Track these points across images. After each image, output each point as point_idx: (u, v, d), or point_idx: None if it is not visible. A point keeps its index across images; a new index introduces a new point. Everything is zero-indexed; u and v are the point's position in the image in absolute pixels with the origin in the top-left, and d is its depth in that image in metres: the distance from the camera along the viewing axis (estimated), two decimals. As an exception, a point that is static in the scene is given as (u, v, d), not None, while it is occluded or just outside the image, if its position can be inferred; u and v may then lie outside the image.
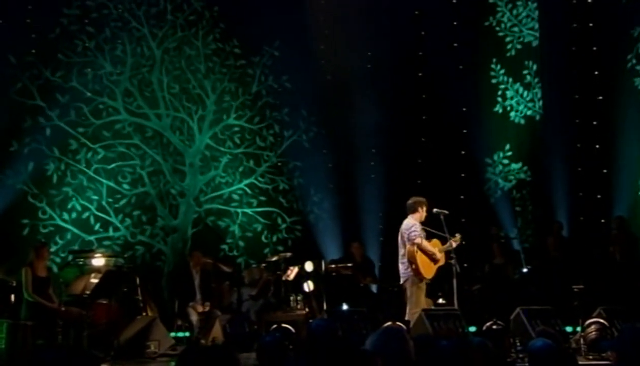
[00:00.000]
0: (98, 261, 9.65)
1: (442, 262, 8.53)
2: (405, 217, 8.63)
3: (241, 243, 12.08)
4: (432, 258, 8.41)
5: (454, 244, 8.44)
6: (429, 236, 8.65)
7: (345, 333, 6.90)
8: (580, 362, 5.00)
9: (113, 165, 11.59)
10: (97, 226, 11.44)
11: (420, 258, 8.35)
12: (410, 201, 8.61)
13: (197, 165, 12.03)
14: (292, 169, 12.39)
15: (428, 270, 8.40)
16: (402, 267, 8.45)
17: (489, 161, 12.60)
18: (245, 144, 12.25)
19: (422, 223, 8.56)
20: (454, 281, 8.48)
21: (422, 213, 8.52)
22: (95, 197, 11.47)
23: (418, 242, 8.31)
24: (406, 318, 8.21)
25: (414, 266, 8.34)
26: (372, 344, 3.68)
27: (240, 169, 12.20)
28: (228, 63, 12.27)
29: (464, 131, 12.49)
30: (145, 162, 11.77)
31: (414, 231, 8.37)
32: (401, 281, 8.54)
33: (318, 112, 12.46)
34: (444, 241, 8.54)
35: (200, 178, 12.04)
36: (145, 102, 11.86)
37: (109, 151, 11.60)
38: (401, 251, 8.48)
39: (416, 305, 8.27)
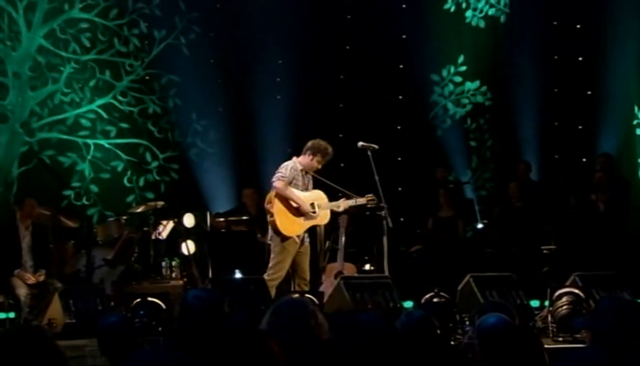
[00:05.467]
0: None
1: (320, 221, 8.76)
2: None
3: (94, 188, 12.05)
4: (298, 210, 8.59)
5: (356, 202, 8.71)
6: (326, 191, 8.80)
7: (234, 308, 6.97)
8: (547, 345, 5.16)
9: None
10: None
11: (278, 207, 8.57)
12: (308, 143, 8.74)
13: (26, 76, 11.81)
14: (165, 86, 12.32)
15: (288, 225, 8.59)
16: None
17: (436, 78, 12.77)
18: (99, 48, 12.10)
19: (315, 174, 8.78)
20: (385, 239, 8.64)
21: (311, 163, 8.69)
22: None
23: (277, 185, 8.52)
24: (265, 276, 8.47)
25: (269, 217, 8.62)
26: (268, 323, 3.71)
27: (92, 83, 12.07)
28: None
29: (403, 36, 12.58)
30: (-58, 70, 11.52)
31: (280, 173, 8.58)
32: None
33: (202, 5, 12.32)
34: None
35: (31, 95, 11.84)
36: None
37: None
38: None
39: (278, 268, 8.53)
